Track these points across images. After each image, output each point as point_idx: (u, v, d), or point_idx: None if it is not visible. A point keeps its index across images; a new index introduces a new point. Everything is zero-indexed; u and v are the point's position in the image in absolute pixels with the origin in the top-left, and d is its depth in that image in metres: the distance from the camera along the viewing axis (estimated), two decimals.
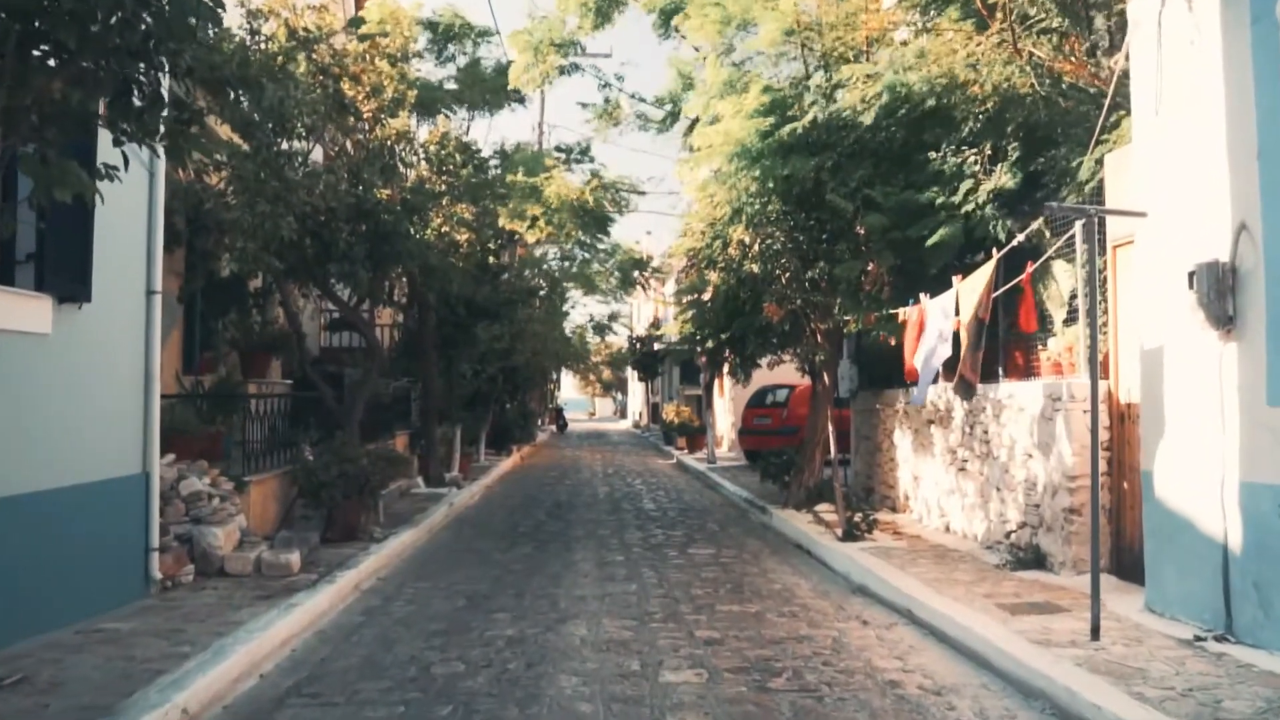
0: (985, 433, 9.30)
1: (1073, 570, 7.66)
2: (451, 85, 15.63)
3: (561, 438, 40.36)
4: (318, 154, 11.14)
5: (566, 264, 26.41)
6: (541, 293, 25.85)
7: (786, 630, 6.75)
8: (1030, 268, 7.09)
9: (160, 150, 4.44)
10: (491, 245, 16.77)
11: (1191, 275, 5.84)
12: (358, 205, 9.71)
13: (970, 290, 7.26)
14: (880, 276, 9.44)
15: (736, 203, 9.99)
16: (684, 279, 15.07)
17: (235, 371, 12.43)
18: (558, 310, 30.21)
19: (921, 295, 8.25)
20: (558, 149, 17.80)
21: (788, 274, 9.78)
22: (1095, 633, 5.71)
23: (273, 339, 12.90)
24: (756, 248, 9.78)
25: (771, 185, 9.57)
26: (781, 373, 18.53)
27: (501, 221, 14.92)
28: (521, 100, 14.95)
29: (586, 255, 26.01)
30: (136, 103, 4.55)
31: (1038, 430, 8.18)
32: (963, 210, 8.33)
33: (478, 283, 15.64)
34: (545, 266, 22.23)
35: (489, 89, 14.35)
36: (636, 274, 25.19)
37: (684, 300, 15.12)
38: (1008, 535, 8.78)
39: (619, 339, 48.36)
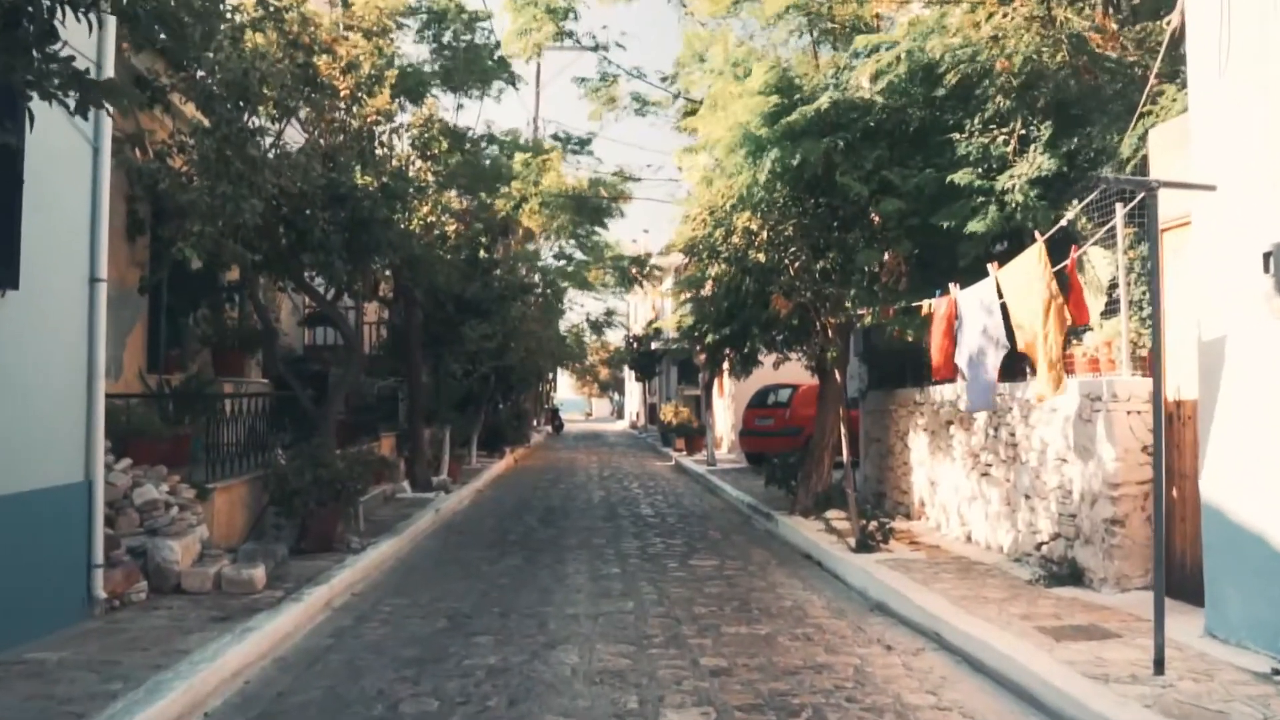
0: (1012, 435, 8.59)
1: (1115, 587, 6.95)
2: (436, 67, 14.87)
3: (557, 439, 39.62)
4: (302, 140, 10.42)
5: (562, 263, 25.73)
6: (537, 290, 25.16)
7: (802, 657, 6.03)
8: (1075, 252, 6.37)
9: (70, 104, 3.69)
10: (484, 239, 16.03)
11: (1267, 256, 5.13)
12: (332, 190, 8.98)
13: (1017, 280, 6.52)
14: (897, 266, 8.72)
15: (741, 190, 9.27)
16: (684, 271, 14.31)
17: (208, 370, 11.72)
18: (553, 308, 29.53)
19: (951, 285, 7.53)
20: (554, 137, 17.08)
21: (797, 264, 9.05)
22: (1159, 665, 5.00)
23: (248, 336, 12.17)
24: (764, 235, 9.06)
25: (779, 172, 8.87)
26: (784, 371, 17.78)
27: (493, 200, 14.13)
28: (513, 81, 14.20)
29: (582, 254, 25.35)
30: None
31: (1074, 433, 7.47)
32: (1003, 195, 7.61)
33: (467, 278, 14.90)
34: (540, 263, 21.47)
35: (478, 69, 13.57)
36: (634, 271, 24.45)
37: (683, 295, 14.36)
38: (1038, 547, 8.07)
39: (616, 338, 47.69)
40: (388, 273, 14.98)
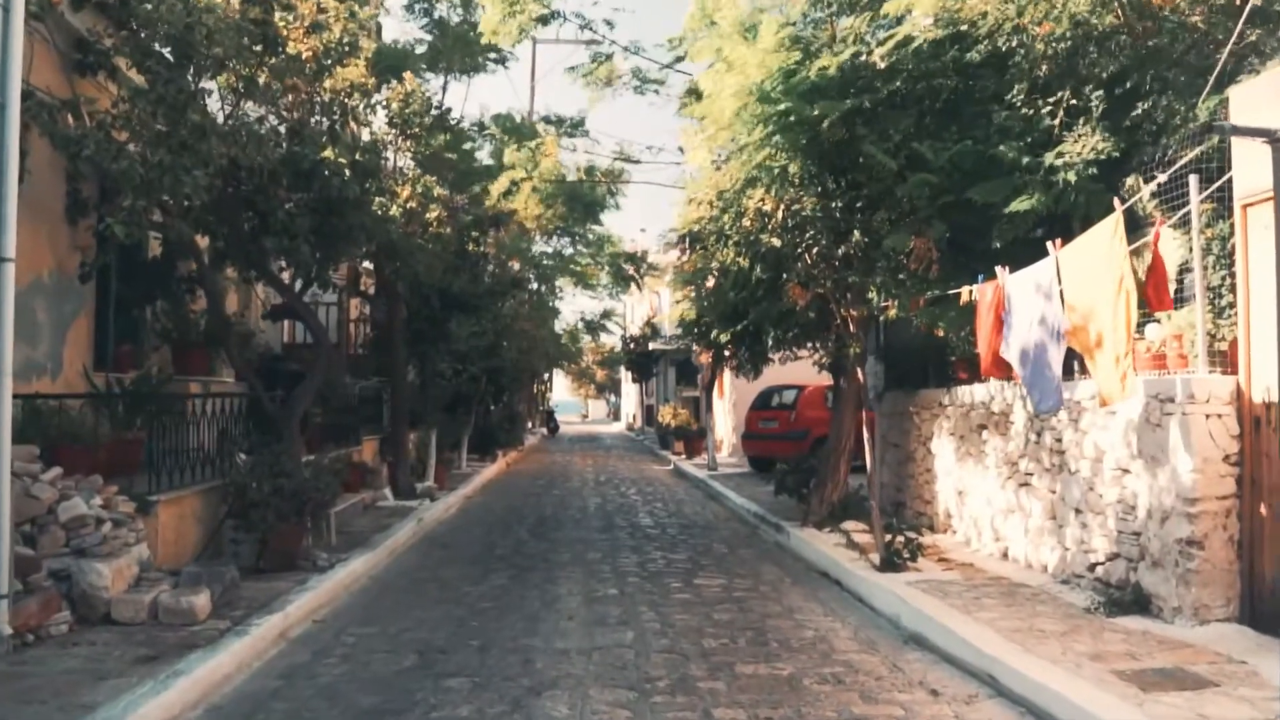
0: (1058, 441, 7.64)
1: (1191, 619, 5.99)
2: (425, 49, 13.90)
3: (552, 441, 38.63)
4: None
5: (556, 261, 24.79)
6: (531, 286, 24.20)
7: (834, 707, 5.08)
8: (1160, 224, 5.42)
9: None
10: (473, 233, 15.04)
11: None
12: (295, 164, 8.02)
13: (1082, 260, 5.58)
14: (928, 251, 7.77)
15: (751, 157, 8.27)
16: (687, 264, 13.31)
17: (167, 369, 10.74)
18: (547, 306, 28.58)
19: (997, 269, 6.57)
20: (546, 120, 16.09)
21: (816, 249, 8.09)
22: None
23: (215, 331, 11.17)
24: (780, 216, 8.09)
25: (794, 135, 7.91)
26: (788, 371, 16.80)
27: (484, 188, 13.15)
28: (502, 61, 13.23)
29: (578, 247, 24.44)
30: None
31: (1139, 439, 6.51)
32: (1054, 173, 6.66)
33: (454, 271, 13.92)
34: (531, 254, 20.47)
35: (465, 47, 12.57)
36: (630, 269, 23.51)
37: (687, 290, 13.36)
38: (1091, 568, 7.12)
39: (612, 338, 46.78)
40: (368, 264, 14.06)
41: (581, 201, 21.21)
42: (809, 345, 11.66)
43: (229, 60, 7.08)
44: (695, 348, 24.80)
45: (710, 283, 13.57)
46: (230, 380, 11.89)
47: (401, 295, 13.48)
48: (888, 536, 8.37)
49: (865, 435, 8.99)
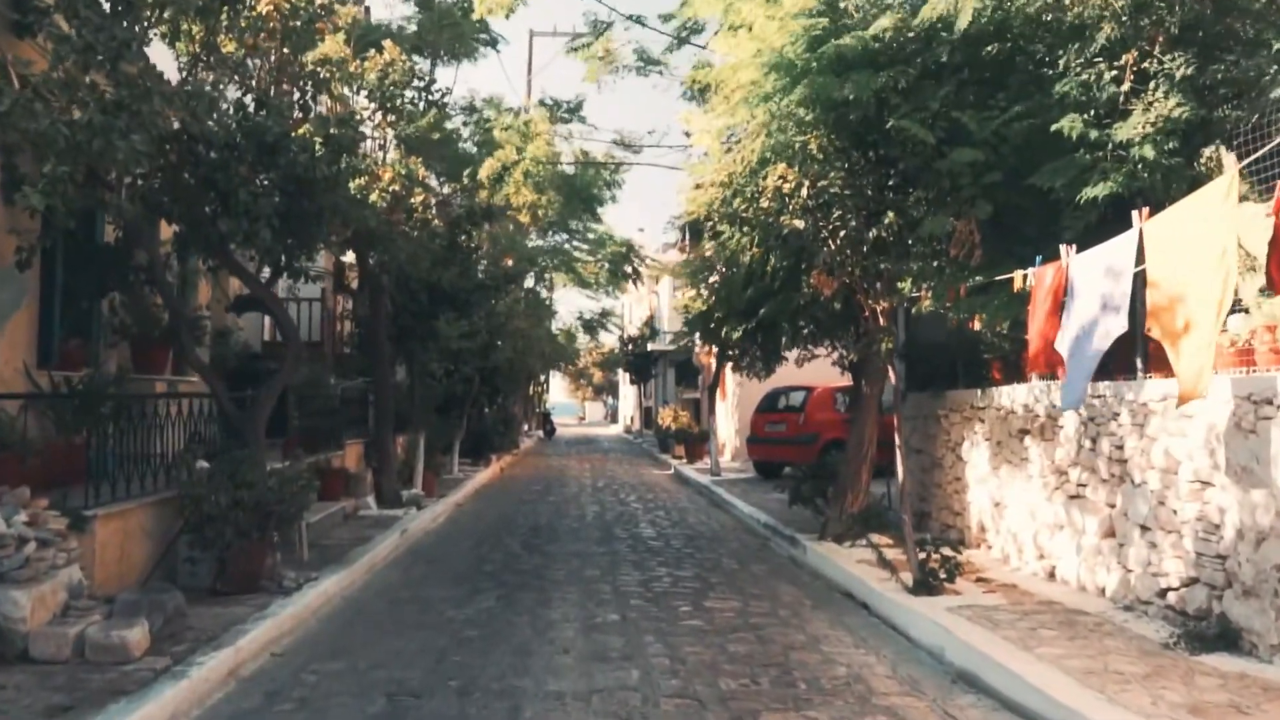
0: (1119, 448, 6.75)
1: None
2: (411, 30, 13.01)
3: (549, 444, 37.71)
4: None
5: (552, 258, 23.91)
6: (528, 283, 23.31)
7: None
8: None
9: None
10: (465, 225, 14.11)
11: None
12: (256, 135, 7.13)
13: (1180, 231, 4.69)
14: (969, 235, 6.89)
15: (772, 132, 7.40)
16: (696, 254, 12.40)
17: (126, 367, 9.84)
18: (543, 305, 27.69)
19: (1062, 248, 5.68)
20: (541, 102, 15.18)
21: (844, 231, 7.19)
22: None
23: (171, 325, 10.23)
24: (804, 194, 7.19)
25: (820, 114, 7.06)
26: (793, 372, 15.88)
27: (473, 172, 12.24)
28: (493, 43, 12.33)
29: (574, 242, 23.58)
30: None
31: (1225, 447, 5.63)
32: (1124, 148, 5.78)
33: (443, 264, 13.00)
34: (527, 247, 19.53)
35: (453, 29, 11.66)
36: (631, 263, 22.63)
37: (695, 283, 12.44)
38: (1162, 594, 6.24)
39: (611, 339, 45.95)
40: (350, 256, 13.16)
41: (579, 195, 20.35)
42: (826, 343, 10.75)
43: (181, 14, 6.17)
44: (697, 347, 23.96)
45: (714, 278, 12.70)
46: (194, 379, 10.96)
47: (386, 289, 12.56)
48: (921, 554, 7.47)
49: (897, 441, 8.08)
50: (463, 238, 13.74)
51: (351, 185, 9.39)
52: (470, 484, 17.48)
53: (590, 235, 24.07)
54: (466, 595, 8.02)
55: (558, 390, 70.05)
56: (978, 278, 6.94)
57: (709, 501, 15.91)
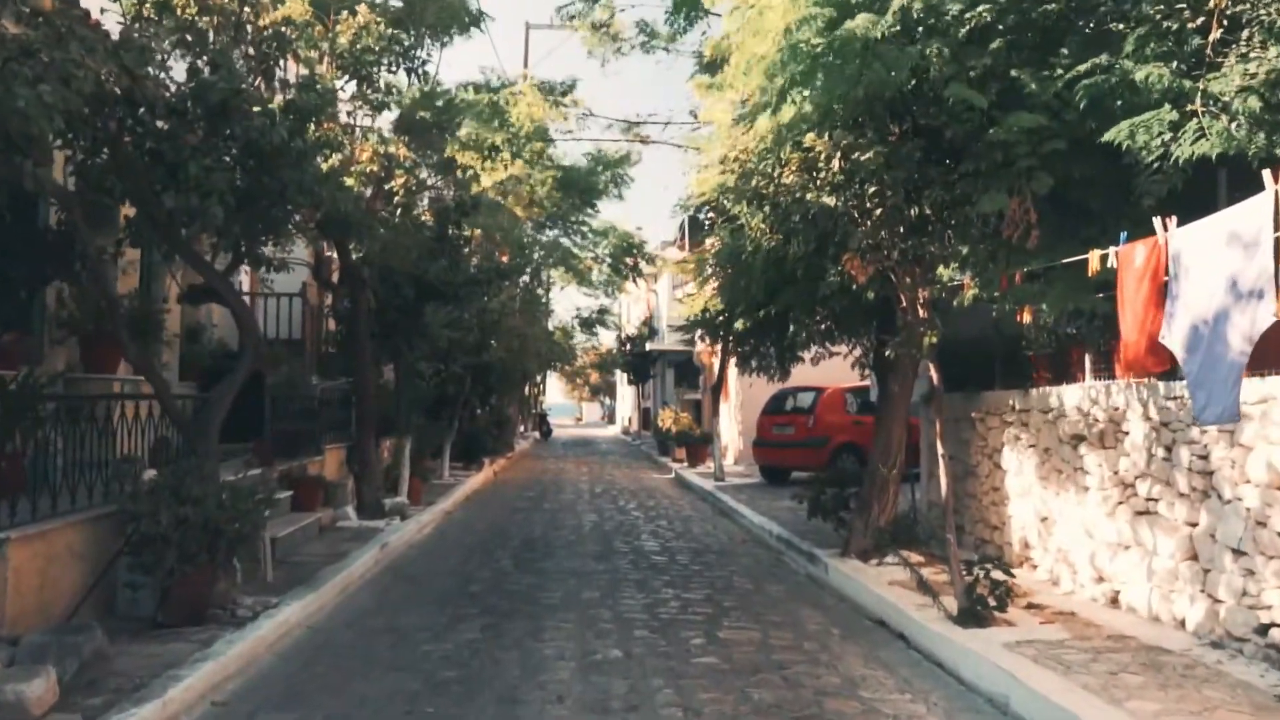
0: (1202, 459, 5.82)
1: None
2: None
3: (545, 446, 36.76)
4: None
5: (550, 253, 22.96)
6: (523, 280, 22.36)
7: None
8: None
9: None
10: (458, 216, 13.14)
11: None
12: (202, 97, 6.18)
13: None
14: (1025, 213, 5.95)
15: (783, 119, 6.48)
16: (697, 252, 11.43)
17: (76, 364, 8.90)
18: (539, 302, 26.73)
19: (1156, 222, 4.75)
20: (534, 86, 14.21)
21: (881, 209, 6.25)
22: None
23: (139, 321, 9.28)
24: (836, 165, 6.24)
25: (840, 103, 6.14)
26: (801, 372, 14.90)
27: (452, 153, 11.27)
28: (478, 23, 11.34)
29: (573, 238, 22.67)
30: None
31: None
32: (1219, 104, 4.84)
33: (430, 255, 12.05)
34: (524, 240, 18.57)
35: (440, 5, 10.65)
36: (632, 258, 21.69)
37: (705, 275, 11.48)
38: (1263, 630, 5.30)
39: (608, 338, 45.05)
40: (331, 250, 12.21)
41: (576, 186, 19.42)
42: (848, 338, 9.78)
43: None
44: (699, 346, 22.99)
45: (720, 272, 11.74)
46: (170, 380, 9.99)
47: (367, 282, 11.60)
48: (968, 578, 6.53)
49: (940, 447, 7.14)
50: (452, 230, 12.80)
51: (323, 164, 8.47)
52: (461, 490, 16.52)
53: (589, 227, 23.11)
54: (447, 624, 7.07)
55: (554, 391, 69.15)
56: (1039, 261, 5.99)
57: (714, 509, 14.96)
